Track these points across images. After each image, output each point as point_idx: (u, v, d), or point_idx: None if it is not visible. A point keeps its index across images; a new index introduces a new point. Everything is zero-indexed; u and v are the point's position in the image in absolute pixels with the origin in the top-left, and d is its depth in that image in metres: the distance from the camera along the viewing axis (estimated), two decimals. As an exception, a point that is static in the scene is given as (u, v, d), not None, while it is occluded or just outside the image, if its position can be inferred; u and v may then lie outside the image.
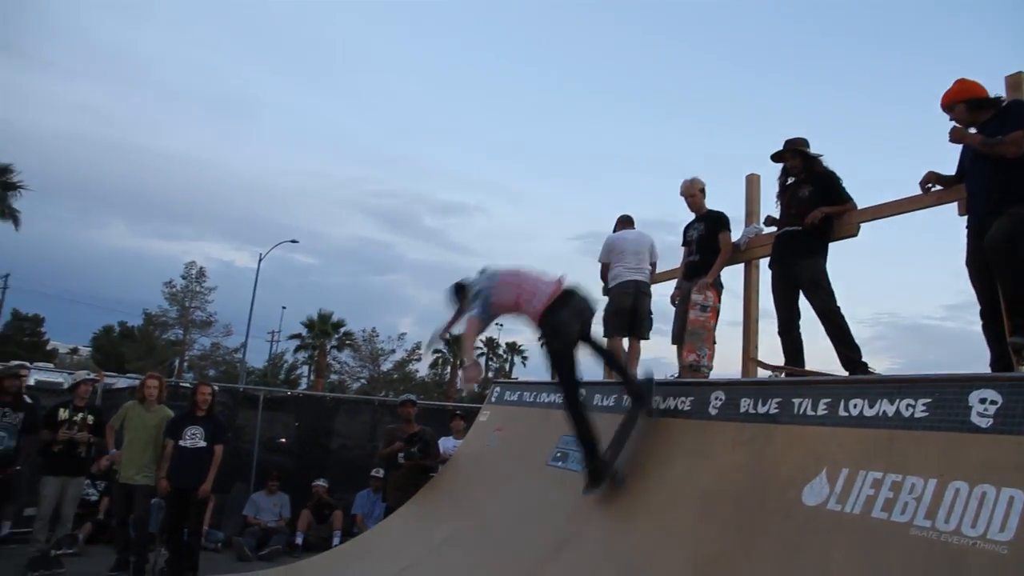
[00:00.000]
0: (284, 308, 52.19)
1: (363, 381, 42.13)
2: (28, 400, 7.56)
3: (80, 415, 7.54)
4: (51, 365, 28.16)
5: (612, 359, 5.42)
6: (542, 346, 4.85)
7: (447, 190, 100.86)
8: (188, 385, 10.25)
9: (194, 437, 7.37)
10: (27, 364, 8.62)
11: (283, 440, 11.38)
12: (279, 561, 8.38)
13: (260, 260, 35.99)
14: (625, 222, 7.39)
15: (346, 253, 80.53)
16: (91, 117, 74.21)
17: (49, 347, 48.42)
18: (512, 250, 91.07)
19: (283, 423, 11.55)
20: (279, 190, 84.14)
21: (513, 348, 54.14)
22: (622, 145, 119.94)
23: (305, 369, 45.70)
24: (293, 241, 41.62)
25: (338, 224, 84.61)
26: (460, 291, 5.50)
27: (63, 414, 7.50)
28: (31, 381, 9.18)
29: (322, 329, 42.29)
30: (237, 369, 38.96)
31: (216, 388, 8.12)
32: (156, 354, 37.15)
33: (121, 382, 10.98)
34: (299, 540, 9.53)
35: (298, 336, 43.52)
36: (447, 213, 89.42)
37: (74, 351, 56.05)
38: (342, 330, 42.98)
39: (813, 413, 3.88)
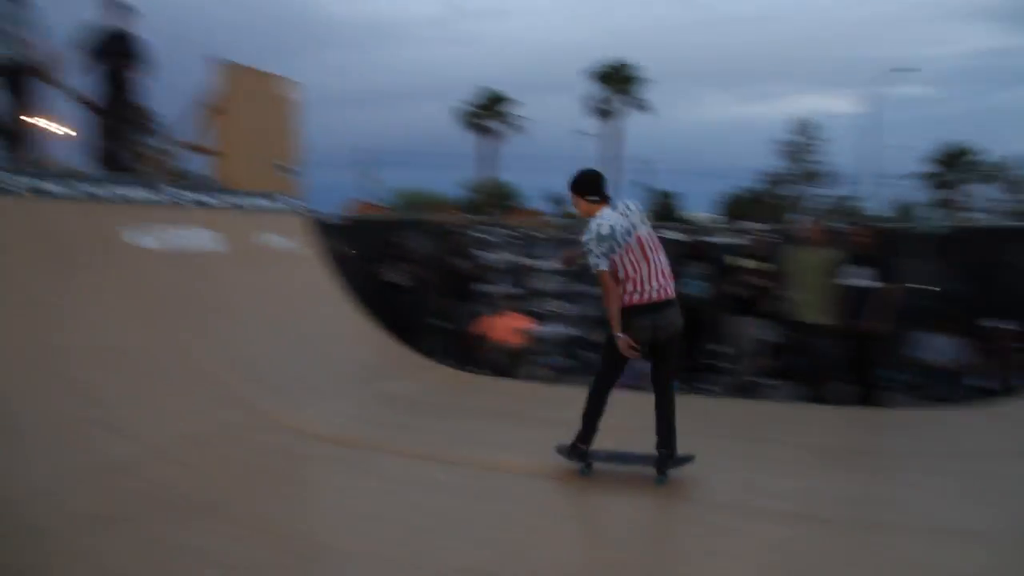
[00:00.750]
0: (899, 146, 48.23)
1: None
2: (713, 253, 8.85)
3: (756, 263, 8.36)
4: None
5: (665, 411, 4.66)
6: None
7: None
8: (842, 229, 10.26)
9: (860, 277, 7.50)
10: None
11: (942, 283, 10.56)
12: (965, 404, 7.99)
13: (870, 100, 33.53)
14: None
15: (963, 73, 69.30)
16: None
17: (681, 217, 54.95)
18: None
19: (939, 264, 10.71)
20: (866, 22, 76.54)
21: None
22: None
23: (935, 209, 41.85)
24: (910, 71, 37.67)
25: (947, 42, 73.04)
26: (585, 187, 4.67)
27: (740, 263, 8.43)
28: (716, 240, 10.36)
29: (951, 163, 37.95)
30: (859, 215, 37.92)
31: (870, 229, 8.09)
32: (778, 210, 38.73)
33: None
34: (971, 384, 8.86)
35: (922, 175, 39.91)
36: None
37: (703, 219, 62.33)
38: (973, 160, 37.88)
39: None
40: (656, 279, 4.51)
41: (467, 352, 9.29)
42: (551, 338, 10.18)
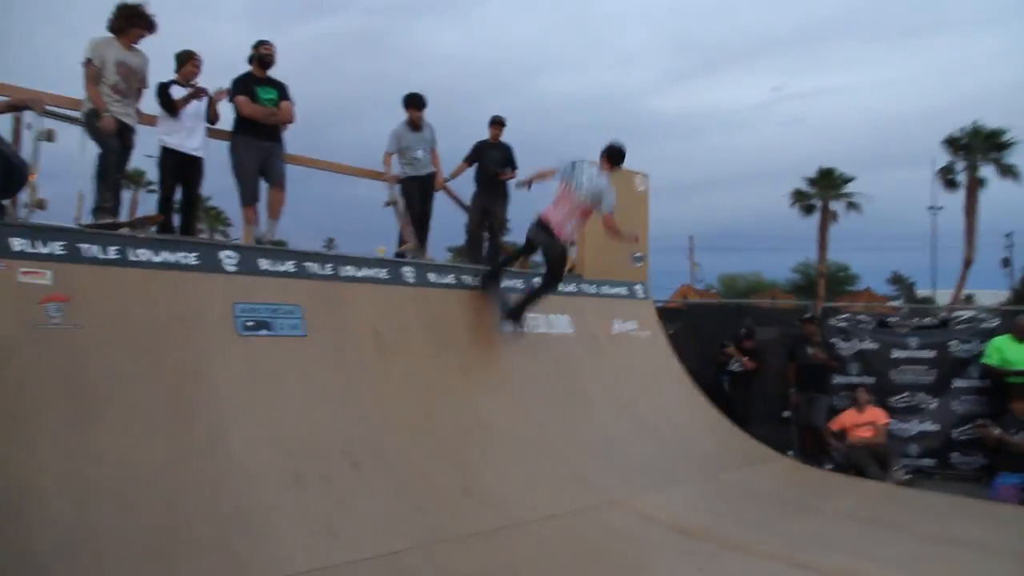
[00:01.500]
0: None
1: None
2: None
3: None
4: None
5: (537, 288, 7.28)
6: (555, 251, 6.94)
7: None
8: None
9: None
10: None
11: None
12: None
13: None
14: None
15: None
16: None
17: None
18: None
19: None
20: None
21: None
22: None
23: None
24: None
25: None
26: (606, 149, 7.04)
27: None
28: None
29: None
30: None
31: None
32: None
33: None
34: None
35: None
36: None
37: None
38: None
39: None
40: (553, 213, 6.76)
41: (815, 446, 8.64)
42: (911, 436, 9.10)
